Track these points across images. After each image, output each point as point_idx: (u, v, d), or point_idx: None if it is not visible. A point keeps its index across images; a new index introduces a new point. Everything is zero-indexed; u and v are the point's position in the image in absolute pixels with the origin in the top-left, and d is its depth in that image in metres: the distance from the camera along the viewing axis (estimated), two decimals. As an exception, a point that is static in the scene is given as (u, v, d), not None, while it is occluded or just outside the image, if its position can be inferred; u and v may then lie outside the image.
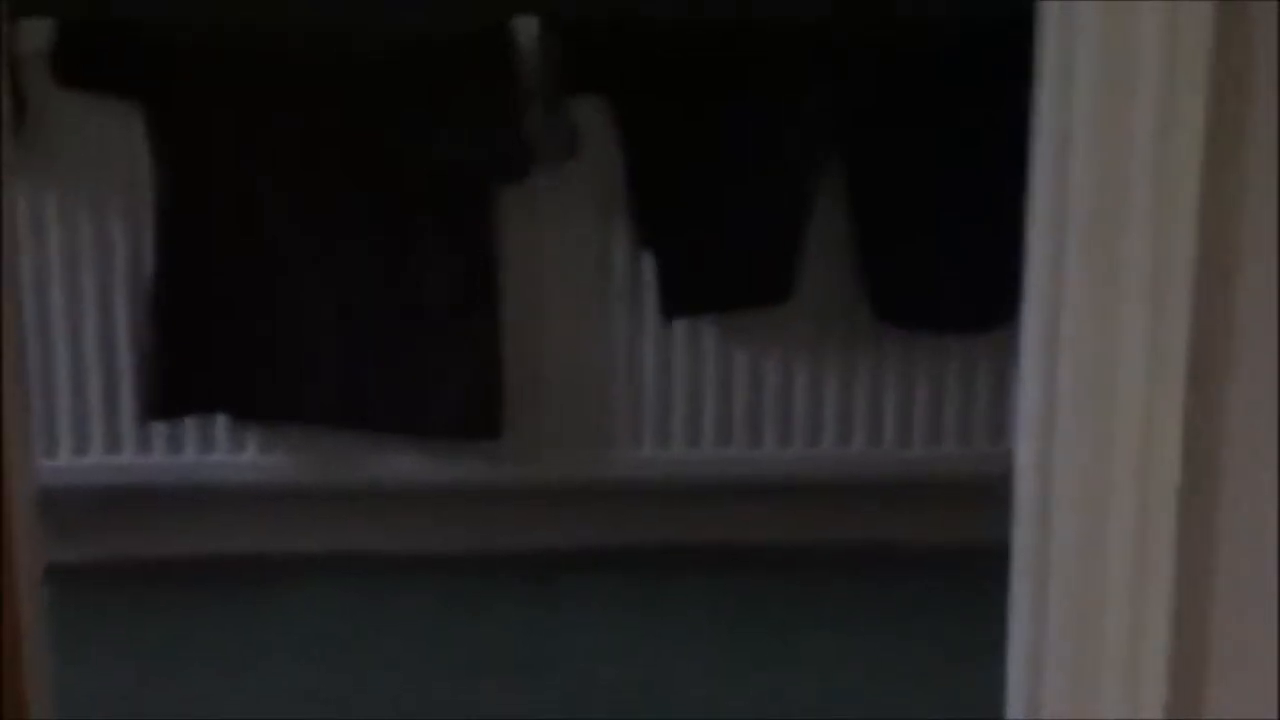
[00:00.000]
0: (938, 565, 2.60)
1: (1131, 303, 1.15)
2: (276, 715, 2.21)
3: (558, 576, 2.58)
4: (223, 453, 2.59)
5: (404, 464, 2.60)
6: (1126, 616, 1.16)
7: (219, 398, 2.56)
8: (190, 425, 2.58)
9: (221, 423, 2.58)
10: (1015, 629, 1.24)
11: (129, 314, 2.54)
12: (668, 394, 2.61)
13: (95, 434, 2.56)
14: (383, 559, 2.62)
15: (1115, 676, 1.16)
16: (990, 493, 2.66)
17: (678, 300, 2.58)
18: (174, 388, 2.54)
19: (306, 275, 2.53)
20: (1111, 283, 1.15)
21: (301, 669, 2.33)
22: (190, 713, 2.23)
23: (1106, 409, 1.16)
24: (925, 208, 2.56)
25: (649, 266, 2.58)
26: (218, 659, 2.35)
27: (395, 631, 2.45)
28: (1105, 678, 1.17)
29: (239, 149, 2.50)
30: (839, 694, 2.26)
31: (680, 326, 2.60)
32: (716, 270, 2.58)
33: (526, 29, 2.49)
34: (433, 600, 2.54)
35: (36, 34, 2.43)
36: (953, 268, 2.57)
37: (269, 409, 2.57)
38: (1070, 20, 1.16)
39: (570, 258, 2.57)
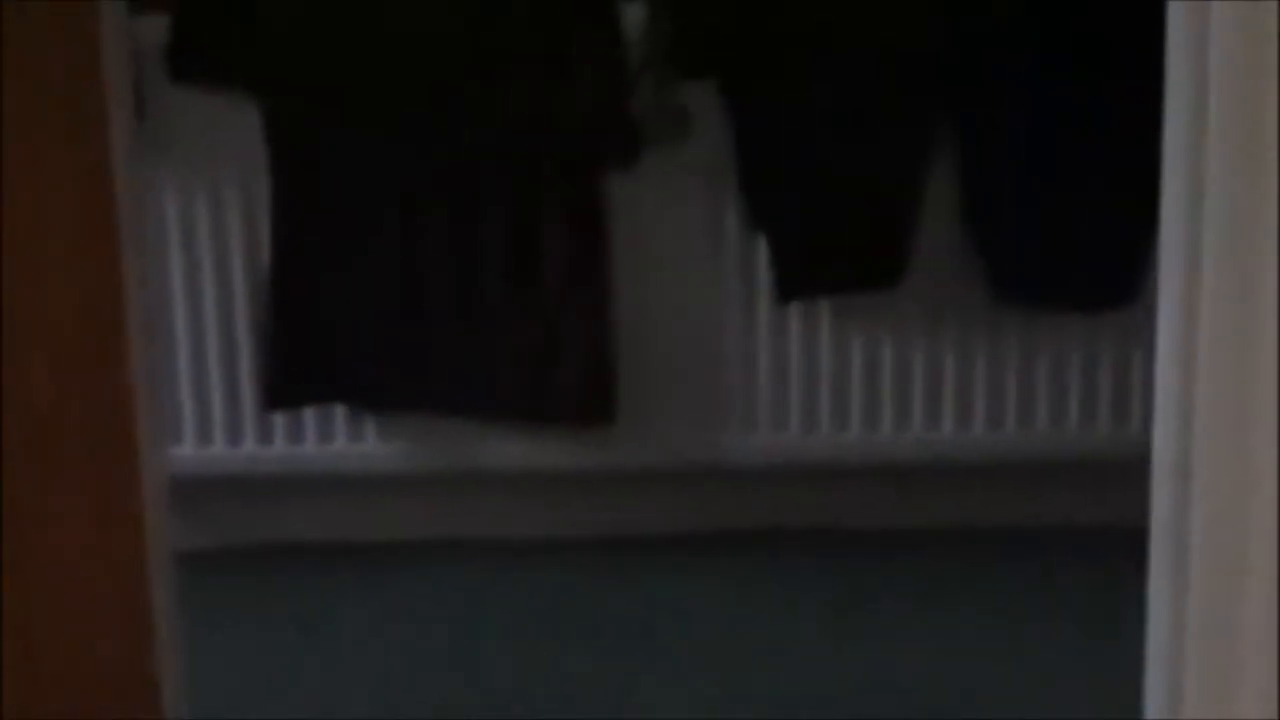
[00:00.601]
0: (1061, 547, 2.57)
1: (1272, 279, 1.12)
2: (400, 697, 2.23)
3: (671, 561, 2.58)
4: (342, 441, 2.61)
5: (519, 450, 2.61)
6: (1270, 595, 1.13)
7: (338, 388, 2.58)
8: (310, 415, 2.60)
9: (340, 412, 2.60)
10: (1154, 609, 1.21)
11: (248, 306, 2.56)
12: (782, 377, 2.59)
13: (217, 424, 2.59)
14: (498, 544, 2.63)
15: (1259, 657, 1.14)
16: (1114, 474, 2.63)
17: (790, 283, 2.57)
18: (293, 379, 2.57)
19: (423, 264, 2.54)
20: (1251, 259, 1.12)
21: (422, 653, 2.35)
22: (314, 695, 2.25)
23: (1247, 387, 1.13)
24: (1044, 183, 2.52)
25: (762, 249, 2.56)
26: (340, 643, 2.38)
27: (512, 614, 2.46)
28: (1248, 658, 1.14)
29: (353, 139, 2.51)
30: (958, 679, 2.24)
31: (795, 309, 2.58)
32: (829, 252, 2.57)
33: (635, 11, 2.49)
34: (548, 584, 2.54)
35: (152, 29, 2.46)
36: (1073, 245, 2.53)
37: (387, 399, 2.59)
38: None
39: (682, 241, 2.56)
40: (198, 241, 2.55)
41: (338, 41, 2.50)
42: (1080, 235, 2.53)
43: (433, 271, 2.54)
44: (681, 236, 2.56)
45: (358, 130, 2.51)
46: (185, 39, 2.48)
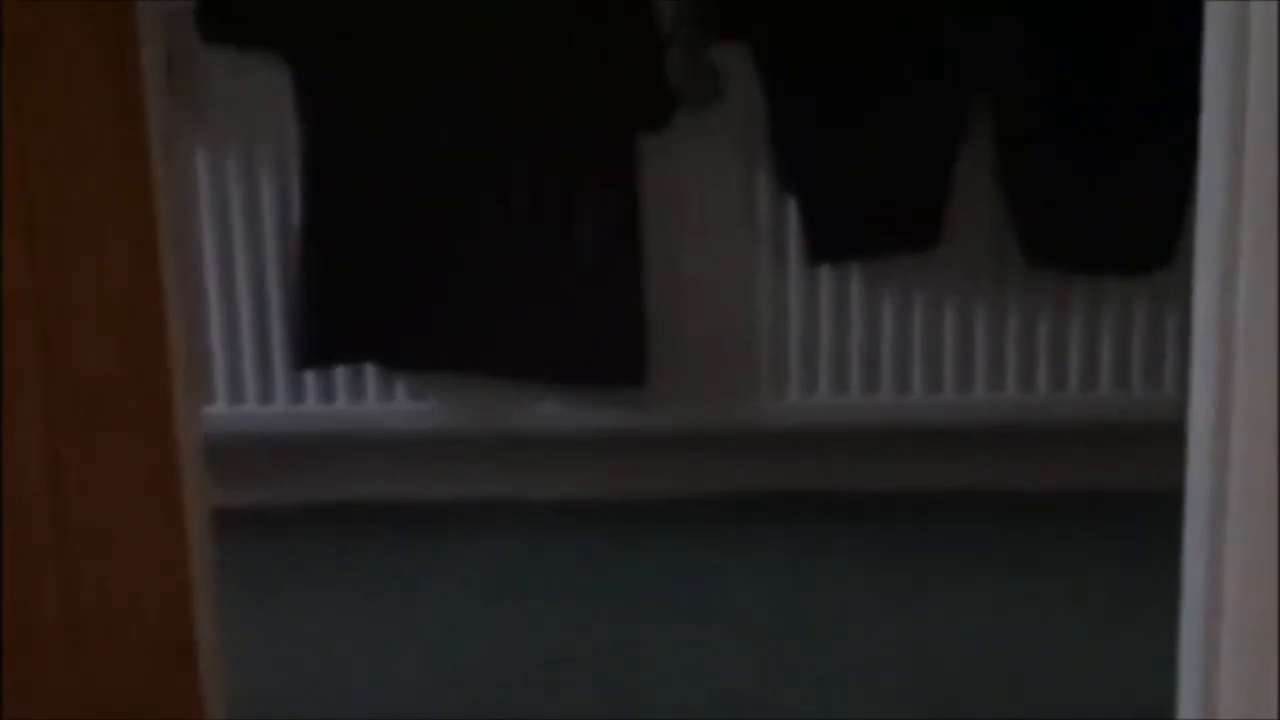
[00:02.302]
0: (1092, 511, 2.57)
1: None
2: (432, 657, 2.24)
3: (703, 524, 2.59)
4: (373, 401, 2.62)
5: (550, 411, 2.62)
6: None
7: (368, 347, 2.59)
8: (341, 374, 2.61)
9: (371, 372, 2.61)
10: (1190, 574, 1.21)
11: (279, 266, 2.57)
12: (813, 340, 2.59)
13: (249, 383, 2.61)
14: (528, 505, 2.64)
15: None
16: (1148, 439, 2.62)
17: (822, 246, 2.56)
18: (323, 337, 2.57)
19: (452, 226, 2.54)
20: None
21: (453, 613, 2.36)
22: (348, 653, 2.27)
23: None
24: (1077, 145, 2.51)
25: (793, 212, 2.56)
26: (373, 602, 2.39)
27: (542, 576, 2.47)
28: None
29: (386, 100, 2.51)
30: (990, 639, 2.24)
31: (825, 272, 2.58)
32: (861, 215, 2.56)
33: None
34: (581, 546, 2.55)
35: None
36: (1107, 207, 2.52)
37: (418, 359, 2.60)
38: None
39: (713, 203, 2.56)
40: (227, 199, 2.55)
41: (370, 2, 2.50)
42: (1114, 197, 2.52)
43: (466, 232, 2.54)
44: (712, 199, 2.56)
45: (391, 92, 2.51)
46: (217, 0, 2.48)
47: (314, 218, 2.54)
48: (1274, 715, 1.16)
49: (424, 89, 2.51)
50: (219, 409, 2.59)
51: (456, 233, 2.54)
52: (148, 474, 1.17)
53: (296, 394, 2.61)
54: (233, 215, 2.56)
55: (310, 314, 2.56)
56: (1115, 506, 2.55)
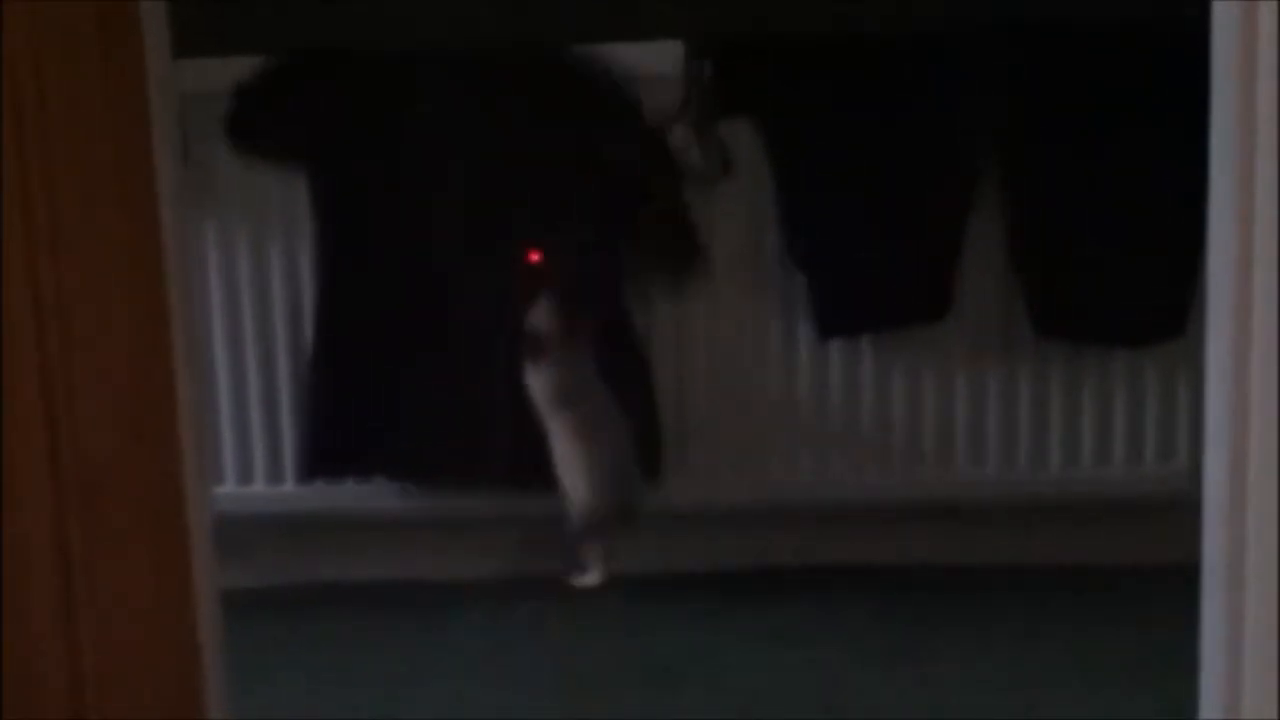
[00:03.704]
0: (1106, 584, 2.55)
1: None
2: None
3: (716, 598, 2.57)
4: (380, 483, 2.61)
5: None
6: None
7: (377, 462, 2.58)
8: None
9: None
10: (1208, 647, 1.20)
11: (288, 350, 2.57)
12: (824, 415, 2.58)
13: (259, 465, 2.60)
14: (534, 583, 2.63)
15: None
16: (1161, 512, 2.61)
17: (832, 320, 2.56)
18: (332, 453, 2.57)
19: (463, 340, 2.53)
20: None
21: (464, 692, 2.34)
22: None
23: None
24: (1086, 217, 2.51)
25: (802, 287, 2.56)
26: (380, 678, 2.37)
27: (557, 653, 2.45)
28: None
29: (400, 211, 2.52)
30: (1004, 712, 2.22)
31: (835, 346, 2.58)
32: (871, 289, 2.56)
33: (673, 52, 2.49)
34: (596, 624, 2.53)
35: (194, 75, 2.46)
36: (1117, 278, 2.52)
37: (428, 473, 2.58)
38: (1253, 23, 1.12)
39: (723, 278, 2.56)
40: (238, 280, 2.56)
41: (381, 122, 2.51)
42: (1124, 269, 2.52)
43: (474, 347, 2.54)
44: (722, 274, 2.56)
45: (403, 202, 2.52)
46: (248, 111, 2.49)
47: (324, 337, 2.53)
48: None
49: (439, 202, 2.52)
50: (228, 489, 2.58)
51: (467, 348, 2.53)
52: (157, 554, 1.17)
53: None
54: (242, 299, 2.57)
55: (319, 429, 2.55)
56: (1129, 580, 2.54)
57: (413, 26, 2.49)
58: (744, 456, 2.60)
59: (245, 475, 2.60)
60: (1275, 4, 1.12)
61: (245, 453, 2.60)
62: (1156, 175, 2.45)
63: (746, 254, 2.56)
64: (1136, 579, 2.53)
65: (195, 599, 1.25)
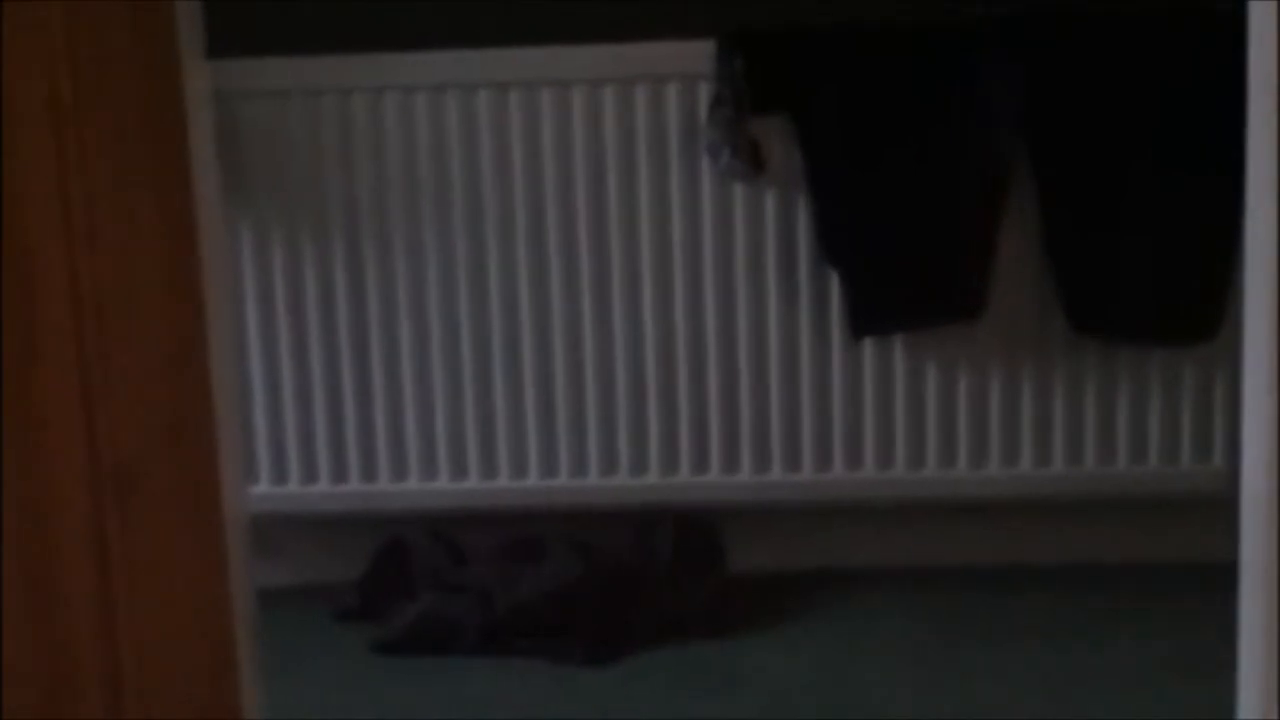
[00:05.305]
0: (1142, 583, 2.54)
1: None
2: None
3: (749, 600, 2.57)
4: (415, 480, 2.62)
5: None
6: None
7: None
8: (384, 456, 2.61)
9: (413, 451, 2.61)
10: (1246, 644, 1.19)
11: (321, 351, 2.58)
12: (858, 415, 2.57)
13: (292, 465, 2.61)
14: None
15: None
16: (1197, 511, 2.59)
17: (865, 319, 2.55)
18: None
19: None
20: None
21: (496, 693, 2.34)
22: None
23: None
24: (1122, 213, 2.50)
25: (835, 285, 2.55)
26: (415, 676, 2.37)
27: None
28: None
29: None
30: (1040, 713, 2.21)
31: (869, 345, 2.57)
32: (904, 288, 2.54)
33: (706, 48, 2.49)
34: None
35: (234, 75, 2.47)
36: (1154, 275, 2.50)
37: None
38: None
39: (755, 277, 2.56)
40: (272, 275, 2.57)
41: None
42: (1161, 266, 2.50)
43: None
44: (754, 273, 2.55)
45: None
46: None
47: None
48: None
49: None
50: (262, 488, 2.59)
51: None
52: (193, 553, 1.17)
53: (339, 476, 2.61)
54: (276, 296, 2.57)
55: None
56: (1162, 579, 2.53)
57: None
58: (774, 456, 2.59)
59: (279, 475, 2.61)
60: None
61: (279, 452, 2.60)
62: (1194, 174, 2.43)
63: (779, 251, 2.55)
64: (1171, 578, 2.52)
65: (230, 598, 1.25)
